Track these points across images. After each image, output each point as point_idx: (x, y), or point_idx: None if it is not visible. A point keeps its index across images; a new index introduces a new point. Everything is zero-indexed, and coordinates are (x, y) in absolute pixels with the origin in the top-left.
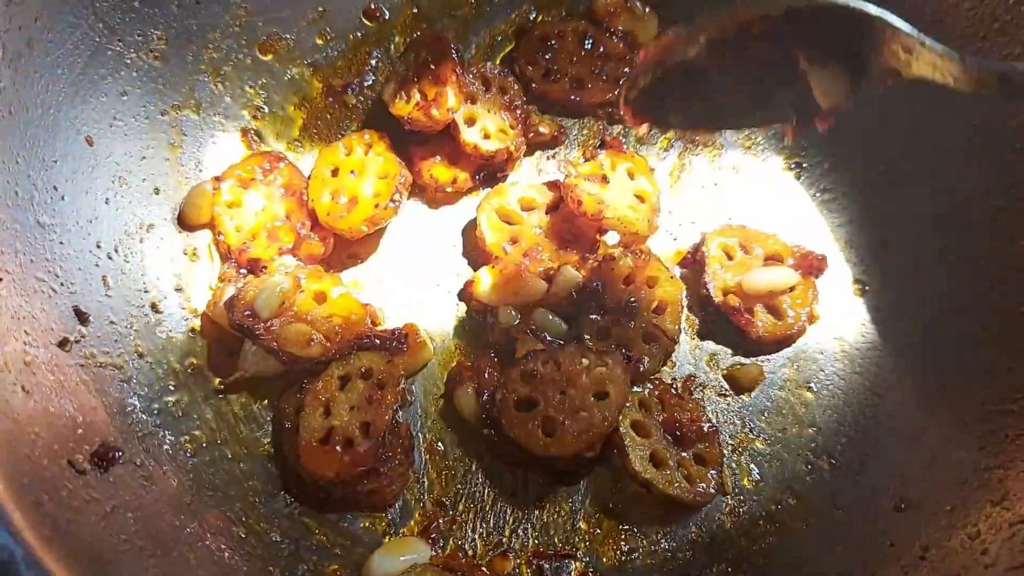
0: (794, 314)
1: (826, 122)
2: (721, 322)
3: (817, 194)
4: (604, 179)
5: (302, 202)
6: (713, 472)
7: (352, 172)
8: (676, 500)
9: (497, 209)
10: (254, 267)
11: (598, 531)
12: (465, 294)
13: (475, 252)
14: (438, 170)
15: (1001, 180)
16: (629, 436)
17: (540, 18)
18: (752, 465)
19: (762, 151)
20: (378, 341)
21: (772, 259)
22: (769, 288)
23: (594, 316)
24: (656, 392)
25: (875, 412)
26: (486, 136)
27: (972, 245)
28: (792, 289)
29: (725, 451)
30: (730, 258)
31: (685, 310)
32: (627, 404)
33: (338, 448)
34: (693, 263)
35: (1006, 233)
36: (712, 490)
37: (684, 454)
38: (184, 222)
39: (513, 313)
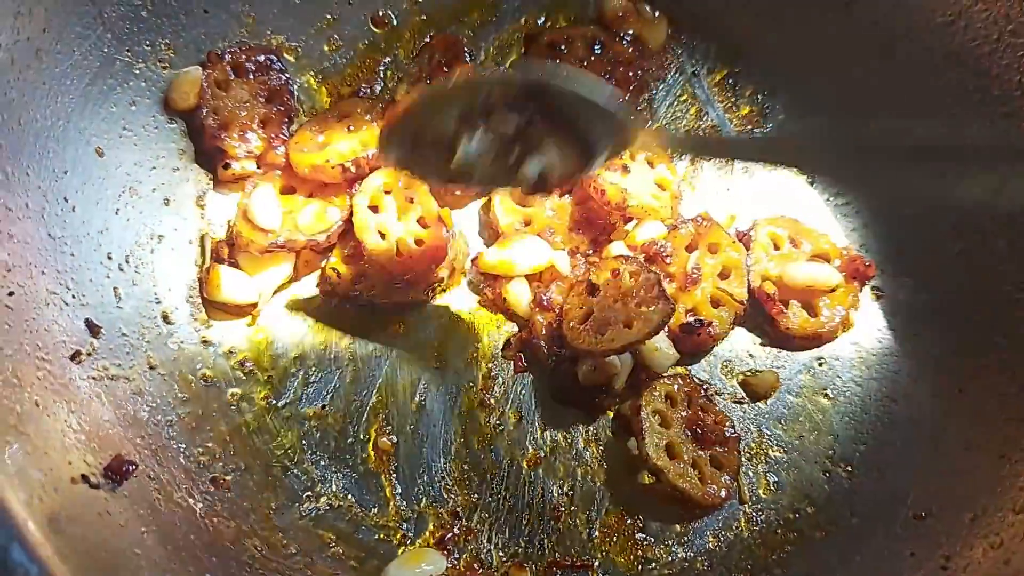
0: (829, 314)
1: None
2: (751, 314)
3: (830, 198)
4: (625, 168)
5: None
6: (728, 478)
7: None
8: (685, 495)
9: (511, 192)
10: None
11: (614, 541)
12: (492, 303)
13: (488, 233)
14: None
15: (1019, 182)
16: (649, 422)
17: (549, 24)
18: (769, 473)
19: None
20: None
21: (819, 257)
22: (809, 283)
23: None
24: (686, 388)
25: (893, 419)
26: None
27: (991, 248)
28: (833, 291)
29: (743, 458)
30: (777, 248)
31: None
32: (655, 394)
33: (415, 246)
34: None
35: None
36: (723, 494)
37: (701, 453)
38: (169, 106)
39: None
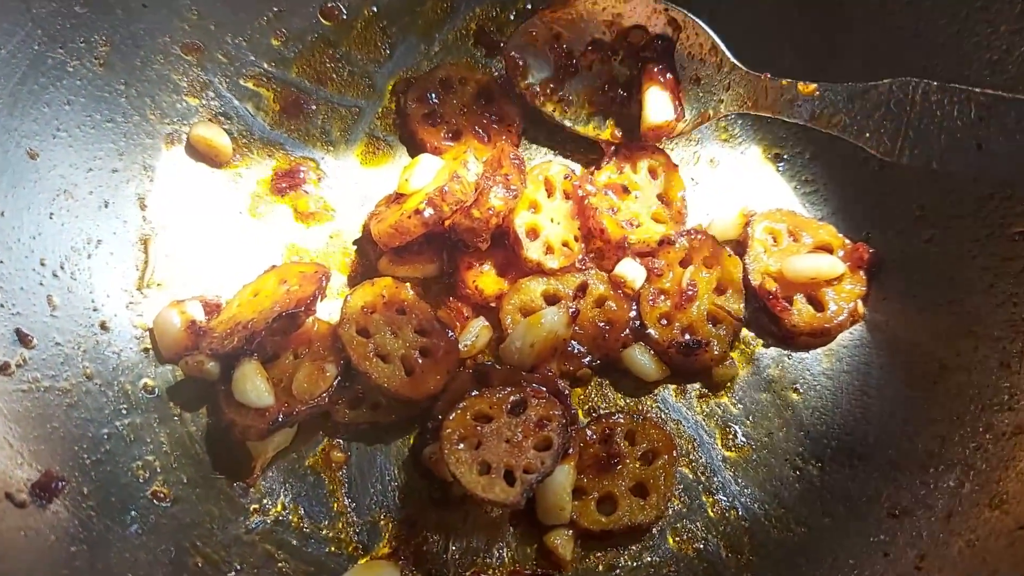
0: (836, 307)
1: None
2: (753, 314)
3: (798, 186)
4: (625, 190)
5: None
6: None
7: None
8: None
9: (521, 308)
10: None
11: (577, 547)
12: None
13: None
14: (485, 281)
15: (988, 166)
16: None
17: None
18: (737, 473)
19: (740, 142)
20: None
21: (821, 249)
22: (812, 275)
23: (652, 300)
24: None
25: (865, 412)
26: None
27: (960, 235)
28: (839, 281)
29: (702, 462)
30: (776, 243)
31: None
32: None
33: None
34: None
35: (994, 221)
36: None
37: (621, 483)
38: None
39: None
